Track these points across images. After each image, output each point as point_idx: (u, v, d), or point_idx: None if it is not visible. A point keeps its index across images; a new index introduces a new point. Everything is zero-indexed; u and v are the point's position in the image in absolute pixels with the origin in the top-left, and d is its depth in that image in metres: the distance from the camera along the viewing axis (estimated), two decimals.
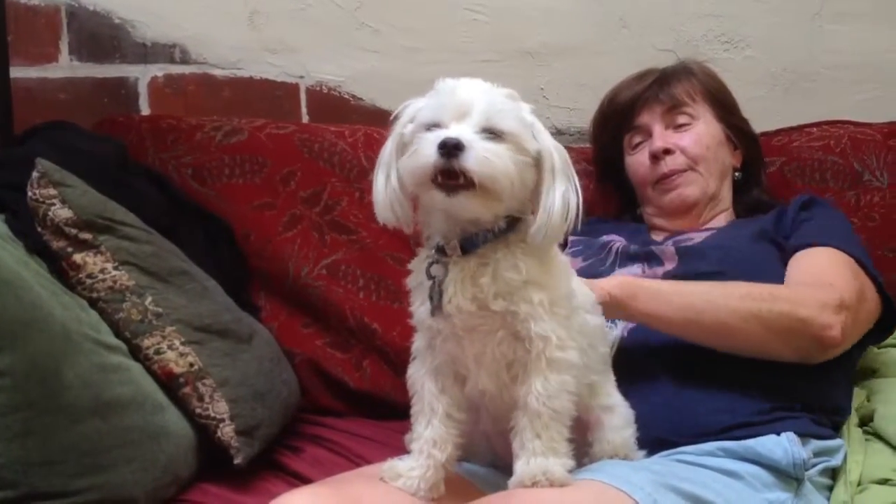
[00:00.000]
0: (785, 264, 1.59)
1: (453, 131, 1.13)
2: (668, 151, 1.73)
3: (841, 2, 2.17)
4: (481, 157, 1.12)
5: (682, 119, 1.76)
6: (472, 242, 1.20)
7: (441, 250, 1.22)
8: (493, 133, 1.15)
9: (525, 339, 1.20)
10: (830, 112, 2.04)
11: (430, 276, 1.21)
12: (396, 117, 1.24)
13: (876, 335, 1.60)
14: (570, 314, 1.23)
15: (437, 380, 1.26)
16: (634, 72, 1.88)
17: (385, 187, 1.21)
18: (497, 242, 1.20)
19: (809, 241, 1.58)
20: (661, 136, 1.74)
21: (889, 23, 2.18)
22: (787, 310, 1.42)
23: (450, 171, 1.12)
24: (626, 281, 1.48)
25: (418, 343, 1.28)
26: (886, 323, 1.58)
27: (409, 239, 1.80)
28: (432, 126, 1.15)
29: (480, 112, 1.15)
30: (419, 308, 1.25)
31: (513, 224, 1.21)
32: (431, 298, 1.21)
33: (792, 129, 1.99)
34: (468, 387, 1.25)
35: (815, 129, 1.97)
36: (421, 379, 1.26)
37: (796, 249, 1.59)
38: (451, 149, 1.11)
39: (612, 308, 1.41)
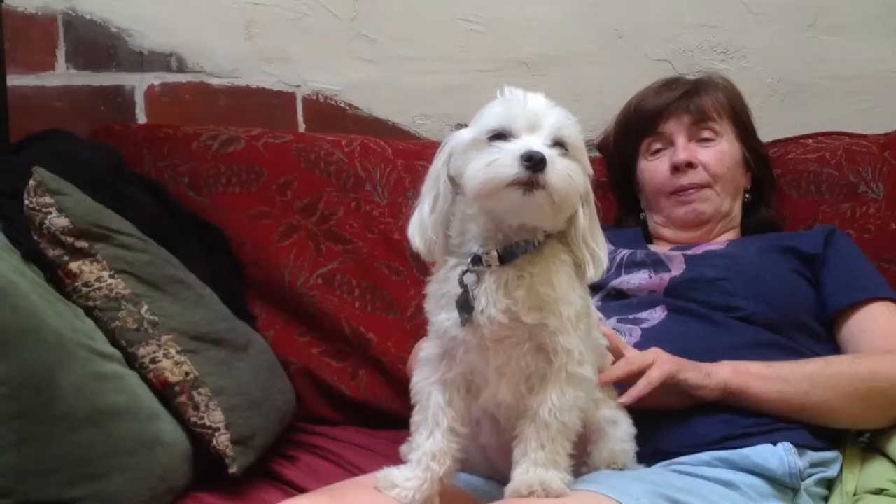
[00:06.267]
0: (800, 273, 1.63)
1: (533, 144, 1.12)
2: (691, 165, 1.73)
3: (835, 13, 2.18)
4: (563, 173, 1.12)
5: (706, 133, 1.76)
6: (511, 253, 1.19)
7: (477, 259, 1.20)
8: (561, 146, 1.15)
9: (550, 352, 1.19)
10: (825, 123, 2.05)
11: (461, 285, 1.20)
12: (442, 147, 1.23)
13: None
14: (589, 330, 1.24)
15: (445, 392, 1.24)
16: (630, 81, 1.89)
17: (431, 211, 1.21)
18: (534, 255, 1.19)
19: (862, 295, 1.60)
20: (685, 148, 1.74)
21: (883, 34, 2.19)
22: (886, 387, 1.47)
23: (529, 183, 1.11)
24: (736, 370, 1.46)
25: (430, 351, 1.25)
26: None
27: (406, 250, 1.82)
28: (500, 133, 1.14)
29: (552, 125, 1.15)
30: (441, 317, 1.22)
31: (549, 238, 1.21)
32: (460, 308, 1.19)
33: (787, 140, 1.99)
34: (483, 398, 1.24)
35: (810, 140, 1.97)
36: (428, 388, 1.24)
37: (844, 298, 1.61)
38: (537, 163, 1.10)
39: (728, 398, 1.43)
